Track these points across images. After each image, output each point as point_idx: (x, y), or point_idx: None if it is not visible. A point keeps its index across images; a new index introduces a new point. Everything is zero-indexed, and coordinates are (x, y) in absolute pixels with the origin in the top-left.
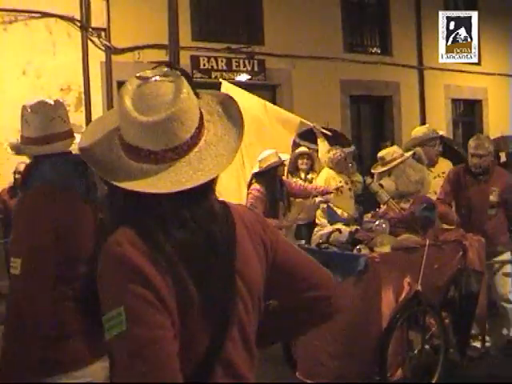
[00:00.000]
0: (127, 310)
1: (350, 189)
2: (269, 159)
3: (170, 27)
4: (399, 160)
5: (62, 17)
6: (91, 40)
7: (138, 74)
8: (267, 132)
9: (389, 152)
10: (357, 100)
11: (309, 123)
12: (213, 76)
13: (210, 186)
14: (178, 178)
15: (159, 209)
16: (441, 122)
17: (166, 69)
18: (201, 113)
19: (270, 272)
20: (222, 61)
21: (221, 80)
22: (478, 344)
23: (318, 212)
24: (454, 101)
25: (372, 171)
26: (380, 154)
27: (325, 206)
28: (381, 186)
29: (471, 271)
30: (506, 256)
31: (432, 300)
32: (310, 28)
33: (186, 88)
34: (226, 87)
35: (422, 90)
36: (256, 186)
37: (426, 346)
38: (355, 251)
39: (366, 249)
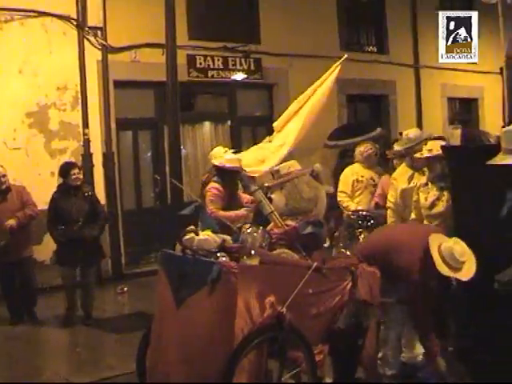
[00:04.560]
0: None
1: (374, 185)
2: (233, 162)
3: (166, 26)
4: (294, 175)
5: (58, 16)
6: (87, 39)
7: None
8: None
9: (285, 165)
10: (353, 99)
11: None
12: (209, 75)
13: None
14: None
15: None
16: (437, 121)
17: None
18: None
19: None
20: (218, 60)
21: None
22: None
23: None
24: (450, 99)
25: (265, 185)
26: (277, 167)
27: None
28: (270, 200)
29: (361, 303)
30: None
31: (302, 329)
32: (307, 27)
33: None
34: None
35: (418, 88)
36: (214, 184)
37: (292, 381)
38: (213, 258)
39: (224, 257)
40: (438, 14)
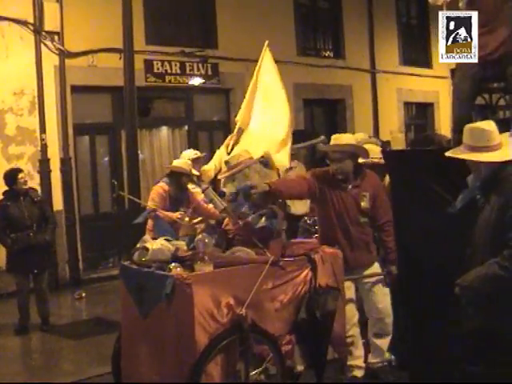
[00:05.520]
0: None
1: None
2: (180, 164)
3: (124, 31)
4: (244, 165)
5: (14, 20)
6: (44, 44)
7: None
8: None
9: (234, 156)
10: (310, 103)
11: None
12: (166, 80)
13: None
14: None
15: None
16: (393, 125)
17: None
18: None
19: None
20: (175, 65)
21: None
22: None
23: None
24: (407, 104)
25: (218, 177)
26: (226, 158)
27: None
28: (223, 193)
29: (323, 289)
30: (375, 267)
31: (267, 323)
32: (264, 32)
33: None
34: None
35: (374, 93)
36: (161, 183)
37: (262, 376)
38: (167, 271)
39: (178, 268)
40: (399, 19)
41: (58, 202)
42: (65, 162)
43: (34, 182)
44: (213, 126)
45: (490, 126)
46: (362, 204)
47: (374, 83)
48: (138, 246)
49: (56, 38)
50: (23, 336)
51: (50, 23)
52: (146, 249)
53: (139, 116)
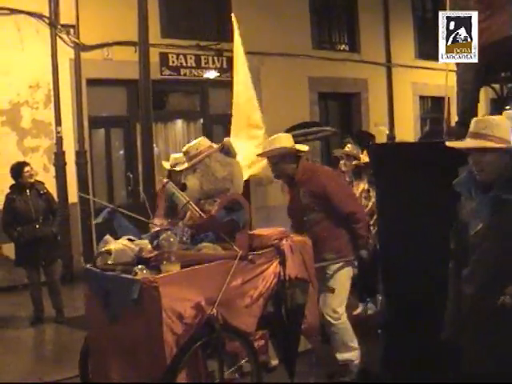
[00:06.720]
0: None
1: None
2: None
3: (139, 24)
4: (205, 154)
5: (30, 13)
6: (60, 37)
7: None
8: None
9: (193, 145)
10: (325, 97)
11: None
12: (182, 73)
13: None
14: None
15: None
16: (408, 119)
17: None
18: None
19: None
20: (190, 58)
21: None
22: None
23: None
24: (422, 98)
25: (177, 169)
26: (184, 148)
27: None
28: (185, 185)
29: (293, 280)
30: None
31: (238, 320)
32: (279, 25)
33: None
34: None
35: (389, 87)
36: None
37: (236, 375)
38: (133, 274)
39: (144, 270)
40: (414, 13)
41: (73, 195)
42: (80, 155)
43: (50, 175)
44: (228, 120)
45: None
46: (303, 201)
47: (390, 77)
48: (100, 249)
49: (71, 31)
50: (38, 327)
51: (66, 16)
52: (109, 252)
53: (154, 109)
